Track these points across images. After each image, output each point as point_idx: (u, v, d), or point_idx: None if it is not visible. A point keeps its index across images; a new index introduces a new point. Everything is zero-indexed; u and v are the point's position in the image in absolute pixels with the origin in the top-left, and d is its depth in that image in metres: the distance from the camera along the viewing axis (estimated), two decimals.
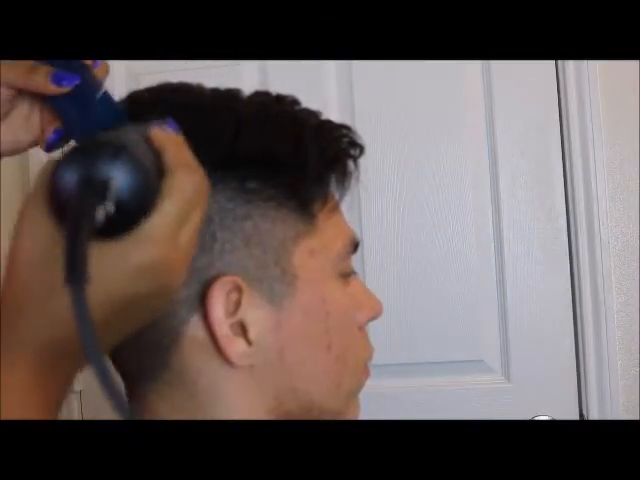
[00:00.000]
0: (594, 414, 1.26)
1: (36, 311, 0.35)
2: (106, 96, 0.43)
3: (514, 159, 1.30)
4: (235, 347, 0.43)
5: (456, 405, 1.31)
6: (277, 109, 0.47)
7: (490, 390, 1.31)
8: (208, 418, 0.45)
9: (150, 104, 0.44)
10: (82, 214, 0.32)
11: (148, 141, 0.37)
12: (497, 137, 1.30)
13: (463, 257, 1.31)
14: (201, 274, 0.43)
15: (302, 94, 0.49)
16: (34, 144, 0.45)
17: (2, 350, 0.35)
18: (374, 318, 0.52)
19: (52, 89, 0.41)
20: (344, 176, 0.48)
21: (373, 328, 0.52)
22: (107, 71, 0.44)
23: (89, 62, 0.42)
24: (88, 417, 1.45)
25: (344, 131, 0.48)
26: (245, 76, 1.34)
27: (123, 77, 1.36)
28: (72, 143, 0.43)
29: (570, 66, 1.27)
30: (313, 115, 0.48)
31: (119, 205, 0.34)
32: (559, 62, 1.28)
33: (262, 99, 0.47)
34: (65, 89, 0.41)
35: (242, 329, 0.44)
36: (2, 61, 0.41)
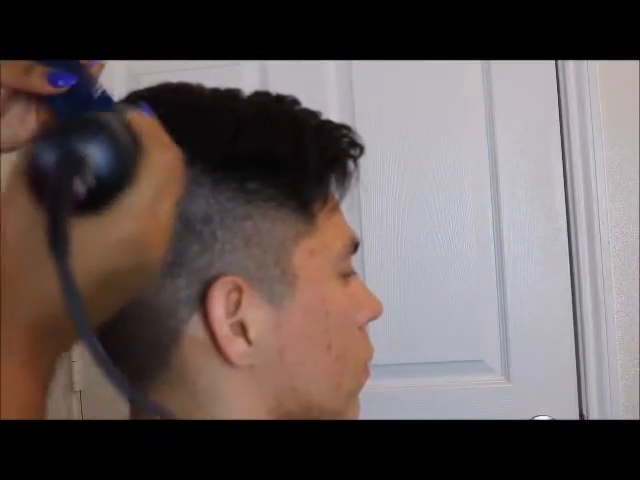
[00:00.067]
0: (594, 414, 1.26)
1: (24, 290, 0.35)
2: (103, 95, 0.43)
3: (514, 159, 1.30)
4: (235, 347, 0.43)
5: (456, 405, 1.31)
6: (277, 109, 0.47)
7: (490, 390, 1.31)
8: (208, 418, 0.45)
9: (150, 104, 0.44)
10: (61, 189, 0.33)
11: (126, 123, 0.37)
12: (497, 137, 1.30)
13: (463, 257, 1.31)
14: (201, 274, 0.43)
15: (302, 94, 0.49)
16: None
17: None
18: (374, 318, 0.52)
19: (48, 89, 0.41)
20: (344, 176, 0.48)
21: (373, 328, 0.52)
22: (102, 68, 0.44)
23: (85, 61, 0.42)
24: (88, 417, 1.45)
25: (344, 131, 0.48)
26: (245, 76, 1.34)
27: (123, 77, 1.36)
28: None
29: (570, 66, 1.27)
30: (313, 115, 0.48)
31: (98, 180, 0.34)
32: (559, 62, 1.28)
33: (262, 99, 0.47)
34: (61, 89, 0.41)
35: (242, 329, 0.44)
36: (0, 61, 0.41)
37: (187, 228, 0.43)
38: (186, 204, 0.43)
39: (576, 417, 1.28)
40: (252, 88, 0.48)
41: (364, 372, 0.51)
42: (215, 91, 0.47)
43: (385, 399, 1.29)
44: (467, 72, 1.31)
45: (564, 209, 1.28)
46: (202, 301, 0.43)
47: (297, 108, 0.48)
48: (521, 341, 1.29)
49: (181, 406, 0.45)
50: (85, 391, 1.45)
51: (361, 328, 0.50)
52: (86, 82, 0.42)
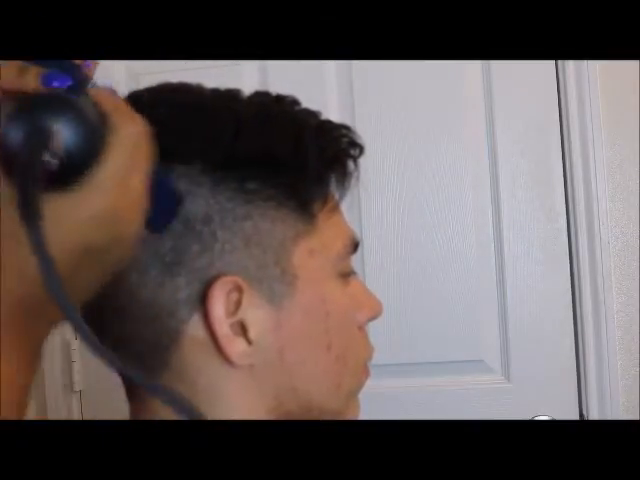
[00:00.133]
0: (594, 414, 1.26)
1: (3, 270, 0.35)
2: None
3: (514, 159, 1.30)
4: (235, 347, 0.43)
5: (456, 405, 1.31)
6: (277, 109, 0.47)
7: (490, 390, 1.31)
8: (208, 418, 0.45)
9: (150, 104, 0.44)
10: (30, 164, 0.33)
11: (93, 101, 0.38)
12: (497, 137, 1.30)
13: (463, 257, 1.31)
14: (201, 274, 0.43)
15: (302, 94, 0.49)
16: None
17: None
18: (374, 318, 0.52)
19: (43, 90, 0.41)
20: (344, 176, 0.48)
21: (373, 328, 0.52)
22: (96, 67, 0.44)
23: (80, 62, 0.42)
24: (88, 417, 1.45)
25: (344, 131, 0.48)
26: (245, 76, 1.34)
27: (123, 77, 1.36)
28: None
29: (570, 66, 1.27)
30: (313, 115, 0.48)
31: (67, 156, 0.35)
32: (559, 62, 1.28)
33: (262, 99, 0.48)
34: (56, 90, 0.41)
35: (242, 329, 0.44)
36: None
37: (187, 228, 0.43)
38: (186, 204, 0.43)
39: (576, 417, 1.28)
40: (252, 88, 0.48)
41: (364, 372, 0.51)
42: (215, 91, 0.47)
43: (385, 399, 1.29)
44: (467, 72, 1.31)
45: (564, 209, 1.28)
46: (202, 301, 0.43)
47: (297, 108, 0.48)
48: (521, 341, 1.29)
49: None
50: (85, 391, 1.45)
51: (361, 328, 0.50)
52: (81, 83, 0.42)
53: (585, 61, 1.25)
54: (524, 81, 1.29)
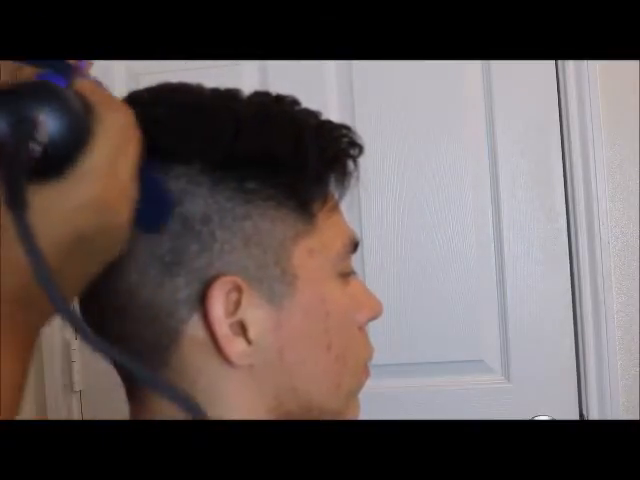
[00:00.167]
0: (594, 414, 1.26)
1: None
2: None
3: (514, 159, 1.30)
4: (235, 347, 0.43)
5: (456, 405, 1.31)
6: (276, 109, 0.47)
7: (490, 390, 1.31)
8: (207, 414, 0.45)
9: (150, 104, 0.44)
10: (16, 154, 0.33)
11: (76, 89, 0.37)
12: (497, 137, 1.30)
13: (463, 257, 1.31)
14: (201, 274, 0.43)
15: (302, 94, 0.49)
16: None
17: None
18: (374, 318, 0.52)
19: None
20: (343, 176, 0.48)
21: (373, 328, 0.52)
22: (90, 67, 0.44)
23: (74, 62, 0.42)
24: (88, 417, 1.45)
25: (343, 131, 0.48)
26: (245, 76, 1.34)
27: (123, 77, 1.36)
28: None
29: (570, 66, 1.27)
30: (312, 115, 0.48)
31: (53, 145, 0.35)
32: (559, 62, 1.28)
33: (261, 99, 0.47)
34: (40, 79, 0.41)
35: (242, 329, 0.44)
36: None
37: (186, 228, 0.43)
38: (185, 204, 0.43)
39: (576, 417, 1.28)
40: (252, 88, 0.48)
41: (364, 372, 0.51)
42: (214, 91, 0.47)
43: (385, 399, 1.29)
44: (467, 72, 1.31)
45: (564, 209, 1.28)
46: (202, 301, 0.43)
47: (297, 108, 0.48)
48: (521, 341, 1.29)
49: None
50: (85, 391, 1.45)
51: (361, 328, 0.50)
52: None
53: (585, 61, 1.25)
54: (524, 81, 1.29)
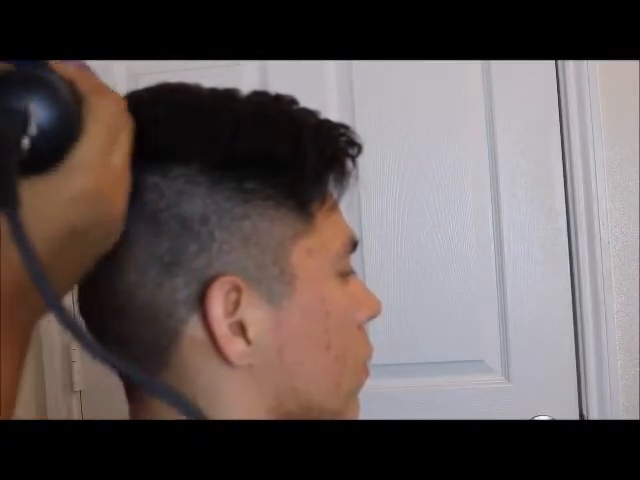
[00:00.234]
0: (594, 414, 1.26)
1: None
2: None
3: (514, 159, 1.30)
4: (234, 347, 0.43)
5: (456, 405, 1.31)
6: (275, 109, 0.47)
7: (490, 390, 1.31)
8: (208, 418, 0.45)
9: (149, 104, 0.44)
10: (5, 148, 0.32)
11: (66, 78, 0.36)
12: (497, 137, 1.30)
13: (463, 257, 1.31)
14: (200, 274, 0.43)
15: (302, 94, 0.49)
16: None
17: None
18: (373, 317, 0.52)
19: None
20: (342, 175, 0.48)
21: (373, 328, 0.52)
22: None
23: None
24: (88, 417, 1.45)
25: (342, 130, 0.48)
26: (245, 76, 1.34)
27: (123, 77, 1.36)
28: None
29: (570, 66, 1.27)
30: (311, 114, 0.48)
31: (42, 136, 0.34)
32: (559, 62, 1.28)
33: (260, 99, 0.47)
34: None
35: (241, 329, 0.44)
36: None
37: (184, 228, 0.43)
38: (183, 204, 0.43)
39: (576, 417, 1.28)
40: (252, 88, 0.48)
41: (364, 371, 0.51)
42: (213, 91, 0.47)
43: (385, 399, 1.29)
44: (467, 72, 1.31)
45: (564, 209, 1.28)
46: (201, 301, 0.43)
47: (295, 107, 0.48)
48: (521, 341, 1.29)
49: None
50: (85, 391, 1.45)
51: (360, 327, 0.50)
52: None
53: (585, 61, 1.25)
54: (524, 81, 1.29)
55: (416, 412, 1.29)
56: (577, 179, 1.27)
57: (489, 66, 1.30)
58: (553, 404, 1.28)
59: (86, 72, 0.38)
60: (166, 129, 0.43)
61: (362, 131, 0.50)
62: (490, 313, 1.31)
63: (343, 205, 0.50)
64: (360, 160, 0.49)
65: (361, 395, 0.51)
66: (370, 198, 1.32)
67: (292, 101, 0.48)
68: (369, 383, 0.52)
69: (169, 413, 0.45)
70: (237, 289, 0.43)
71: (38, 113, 0.33)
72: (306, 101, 0.48)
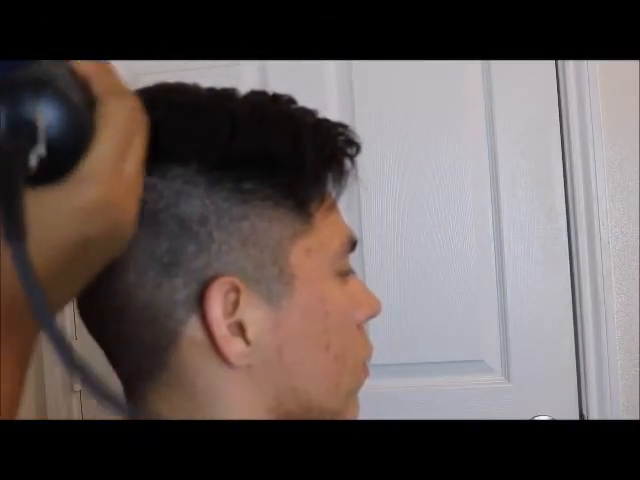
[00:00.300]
0: (594, 414, 1.26)
1: None
2: None
3: (514, 159, 1.30)
4: (233, 347, 0.43)
5: (456, 405, 1.31)
6: (273, 108, 0.47)
7: (490, 390, 1.31)
8: (207, 418, 0.45)
9: (147, 104, 0.44)
10: (12, 162, 0.30)
11: (73, 73, 0.34)
12: (497, 137, 1.30)
13: (463, 257, 1.31)
14: (198, 275, 0.43)
15: (302, 94, 0.49)
16: None
17: None
18: (373, 316, 0.52)
19: None
20: (341, 174, 0.48)
21: (373, 328, 0.52)
22: None
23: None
24: (88, 417, 1.45)
25: (341, 129, 0.48)
26: (245, 76, 1.34)
27: (123, 77, 1.36)
28: None
29: (570, 66, 1.27)
30: (309, 114, 0.48)
31: (52, 145, 0.32)
32: (559, 62, 1.28)
33: (258, 98, 0.47)
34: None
35: (240, 329, 0.43)
36: None
37: (183, 229, 0.42)
38: (181, 204, 0.43)
39: (576, 417, 1.28)
40: (252, 88, 0.48)
41: (363, 371, 0.51)
42: (211, 91, 0.47)
43: (385, 399, 1.29)
44: (467, 72, 1.31)
45: (564, 209, 1.28)
46: (200, 302, 0.43)
47: (293, 107, 0.48)
48: (521, 341, 1.29)
49: (180, 407, 0.45)
50: (85, 391, 1.45)
51: (360, 327, 0.50)
52: None
53: (585, 61, 1.25)
54: (524, 81, 1.29)
55: (416, 412, 1.29)
56: (577, 179, 1.27)
57: (489, 66, 1.30)
58: (553, 404, 1.28)
59: (103, 69, 0.36)
60: (164, 129, 0.43)
61: (362, 131, 0.50)
62: (490, 313, 1.31)
63: (343, 205, 0.50)
64: (360, 160, 0.49)
65: (361, 395, 0.51)
66: (370, 198, 1.31)
67: (290, 100, 0.48)
68: (369, 383, 0.52)
69: (169, 413, 0.45)
70: (236, 289, 0.43)
71: (47, 122, 0.31)
72: (306, 101, 0.48)
